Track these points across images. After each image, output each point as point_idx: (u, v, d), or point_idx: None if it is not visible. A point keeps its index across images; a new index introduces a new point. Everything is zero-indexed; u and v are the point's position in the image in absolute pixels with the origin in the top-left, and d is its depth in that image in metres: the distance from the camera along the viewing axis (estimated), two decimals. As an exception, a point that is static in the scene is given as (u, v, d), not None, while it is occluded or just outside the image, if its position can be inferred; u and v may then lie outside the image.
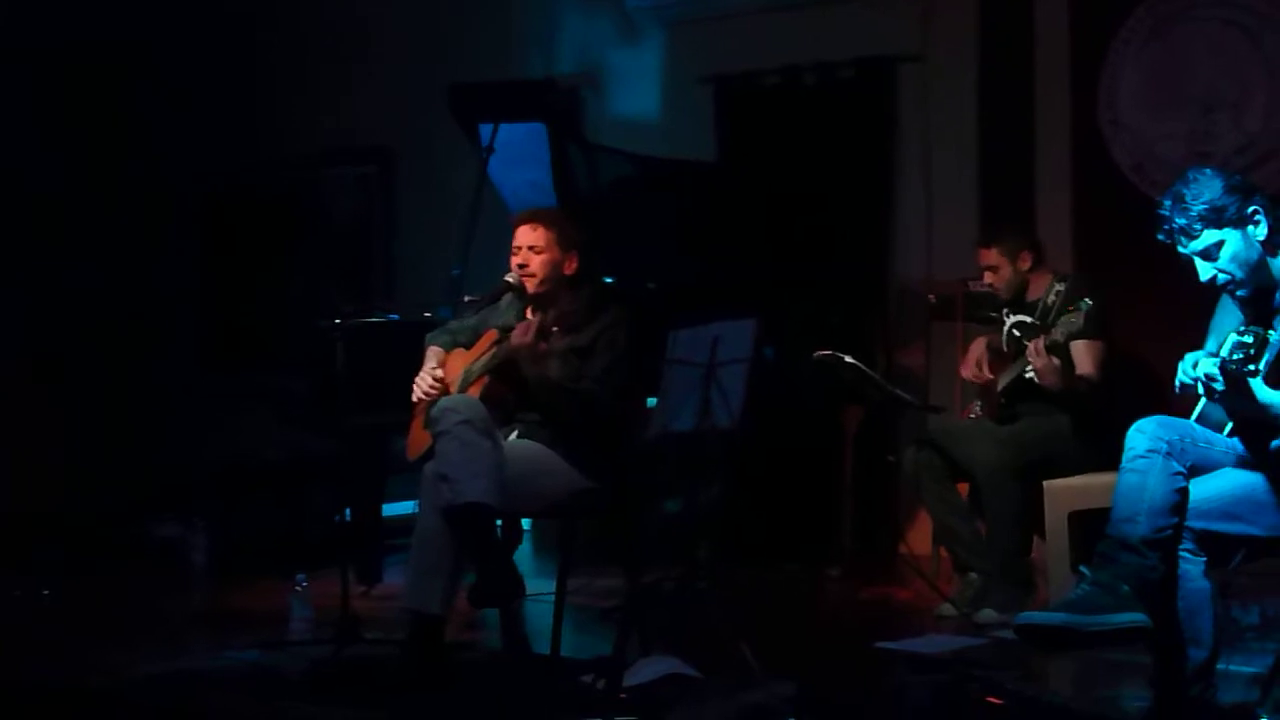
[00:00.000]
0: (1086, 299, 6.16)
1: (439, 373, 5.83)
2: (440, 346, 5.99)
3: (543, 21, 9.37)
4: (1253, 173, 6.66)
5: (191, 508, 8.13)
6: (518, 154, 7.63)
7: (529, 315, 5.80)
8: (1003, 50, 7.96)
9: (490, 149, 7.55)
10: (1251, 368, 4.07)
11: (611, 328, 5.72)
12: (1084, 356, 6.36)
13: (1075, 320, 6.06)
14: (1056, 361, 6.24)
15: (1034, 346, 6.22)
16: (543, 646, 5.65)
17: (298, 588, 6.17)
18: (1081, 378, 6.35)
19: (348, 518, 7.07)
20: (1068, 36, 7.79)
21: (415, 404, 5.83)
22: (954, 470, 6.55)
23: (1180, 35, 7.54)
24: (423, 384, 5.80)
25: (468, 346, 5.96)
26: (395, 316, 7.26)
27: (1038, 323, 6.50)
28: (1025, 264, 6.64)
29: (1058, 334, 6.13)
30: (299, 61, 9.88)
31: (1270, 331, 4.21)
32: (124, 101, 9.83)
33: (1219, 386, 4.15)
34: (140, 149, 9.85)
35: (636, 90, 9.07)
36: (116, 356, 9.63)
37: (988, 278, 6.72)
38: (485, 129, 7.61)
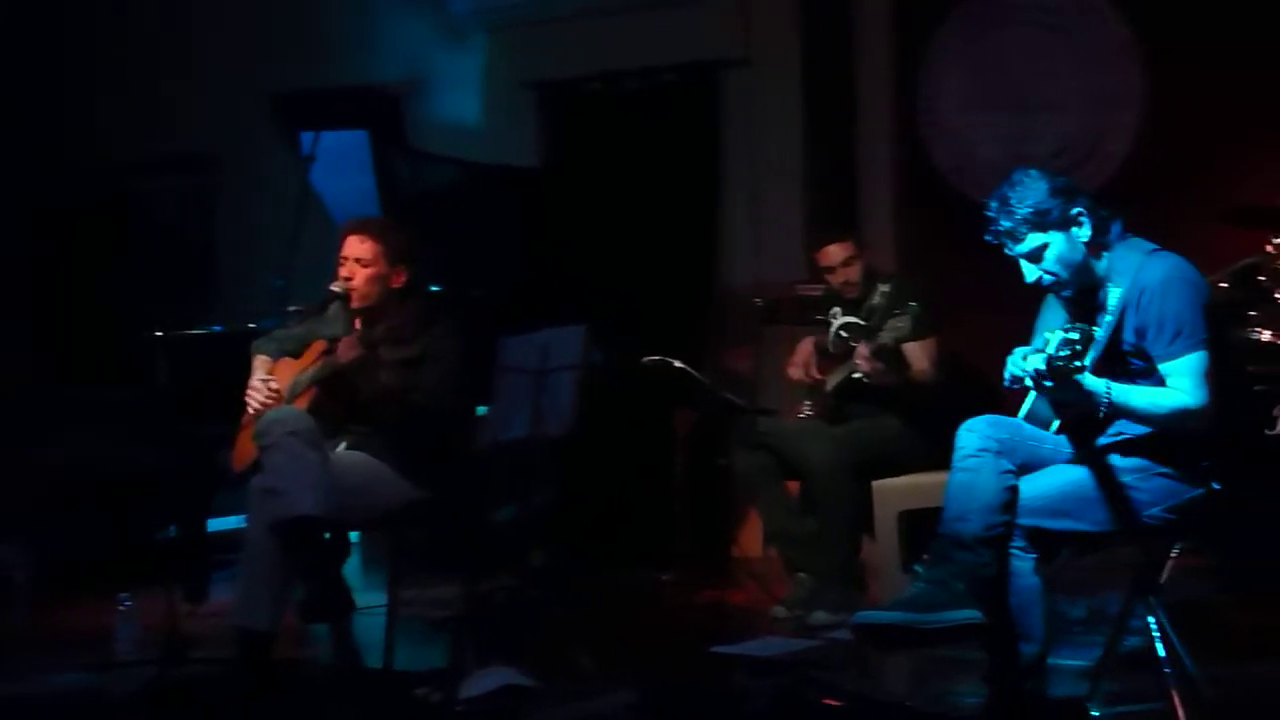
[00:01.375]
0: (913, 302, 6.23)
1: (272, 381, 5.73)
2: (268, 355, 5.89)
3: (365, 27, 9.26)
4: (1072, 174, 6.72)
5: (14, 525, 7.93)
6: (341, 161, 7.55)
7: (356, 326, 5.72)
8: (825, 54, 8.02)
9: (312, 156, 7.45)
10: (1078, 364, 4.13)
11: (440, 338, 5.67)
12: (918, 355, 6.44)
13: (903, 324, 6.12)
14: (884, 365, 6.30)
15: (861, 350, 6.27)
16: (376, 660, 5.57)
17: (121, 607, 6.04)
18: (916, 375, 6.42)
19: (173, 533, 6.93)
20: (889, 40, 7.88)
21: (244, 415, 5.72)
22: (785, 471, 6.59)
23: (998, 38, 7.65)
24: (258, 394, 5.69)
25: (295, 356, 5.87)
26: (219, 328, 7.13)
27: (864, 323, 6.54)
28: (870, 257, 6.71)
29: (885, 338, 6.19)
30: (121, 68, 9.68)
31: (1095, 329, 4.28)
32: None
33: (1048, 384, 4.20)
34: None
35: (460, 96, 9.00)
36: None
37: (839, 275, 6.72)
38: (307, 136, 7.51)
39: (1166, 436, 4.33)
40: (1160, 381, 4.31)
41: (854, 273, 6.69)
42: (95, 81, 9.73)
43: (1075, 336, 4.12)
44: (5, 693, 5.51)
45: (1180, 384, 4.27)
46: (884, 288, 6.66)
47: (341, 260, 5.71)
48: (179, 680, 5.50)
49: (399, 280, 5.73)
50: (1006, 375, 4.36)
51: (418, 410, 5.52)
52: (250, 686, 5.20)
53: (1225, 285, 6.02)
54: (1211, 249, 6.07)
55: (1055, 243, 4.41)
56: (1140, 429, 4.36)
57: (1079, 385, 4.17)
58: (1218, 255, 6.06)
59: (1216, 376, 4.29)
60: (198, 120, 9.45)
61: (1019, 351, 4.31)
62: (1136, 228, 4.56)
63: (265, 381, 5.73)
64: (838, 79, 7.98)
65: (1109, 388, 4.25)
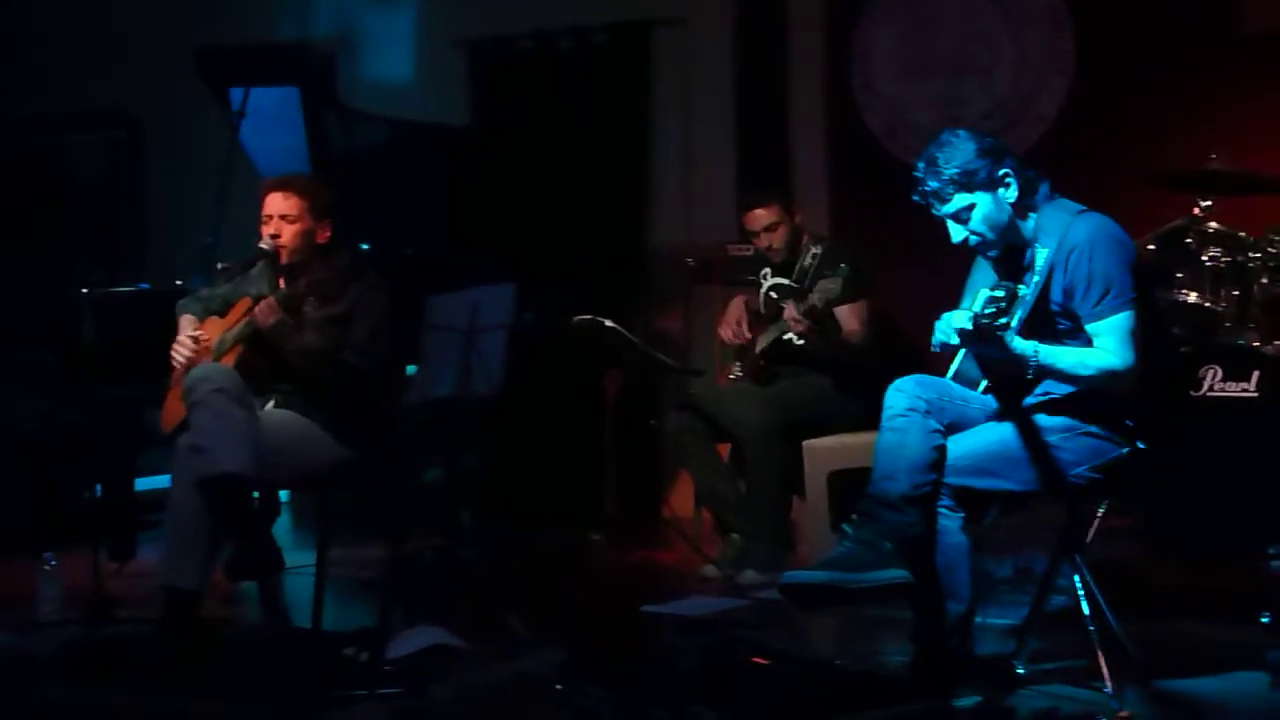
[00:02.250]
0: (843, 264, 6.24)
1: (199, 334, 5.68)
2: (193, 314, 5.84)
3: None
4: (1001, 136, 6.74)
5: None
6: (270, 119, 7.48)
7: (281, 284, 5.68)
8: (758, 14, 8.01)
9: (242, 113, 7.38)
10: (1003, 321, 4.15)
11: (368, 295, 5.63)
12: (849, 317, 6.45)
13: (833, 286, 6.12)
14: (814, 325, 6.30)
15: (790, 310, 6.27)
16: (304, 620, 5.55)
17: (46, 566, 5.98)
18: (847, 336, 6.44)
19: (99, 493, 6.86)
20: (821, 1, 7.87)
21: (172, 374, 5.68)
22: (716, 433, 6.60)
23: (929, 1, 7.66)
24: (182, 350, 5.65)
25: (221, 315, 5.83)
26: (146, 285, 7.07)
27: (795, 285, 6.54)
28: (800, 219, 6.71)
29: (815, 299, 6.19)
30: (42, 19, 9.56)
31: (1020, 287, 4.30)
32: None
33: (974, 342, 4.22)
34: None
35: (390, 53, 8.94)
36: None
37: (764, 239, 6.72)
38: (236, 93, 7.43)
39: (1093, 396, 4.36)
40: (1087, 342, 4.34)
41: (779, 237, 6.68)
42: (16, 32, 9.60)
43: (1000, 295, 4.15)
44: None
45: (1106, 344, 4.30)
46: (815, 249, 6.66)
47: (265, 218, 5.66)
48: (104, 640, 5.46)
49: (324, 236, 5.69)
50: (934, 342, 4.38)
51: (344, 368, 5.48)
52: (177, 646, 5.17)
53: (1153, 247, 6.05)
54: (1139, 211, 6.10)
55: (981, 203, 4.43)
56: (1067, 389, 4.39)
57: (1003, 343, 4.20)
58: (1146, 217, 6.09)
59: (1143, 337, 4.33)
60: (124, 74, 9.35)
61: (946, 317, 4.33)
62: (1065, 189, 4.58)
63: (192, 338, 5.69)
64: (770, 39, 7.97)
65: (1036, 349, 4.27)
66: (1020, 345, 4.25)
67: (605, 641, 5.34)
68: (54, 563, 5.98)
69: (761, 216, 6.69)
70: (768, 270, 6.74)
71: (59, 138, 9.74)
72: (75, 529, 6.50)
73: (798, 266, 6.65)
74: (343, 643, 5.10)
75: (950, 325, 4.27)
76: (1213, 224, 5.99)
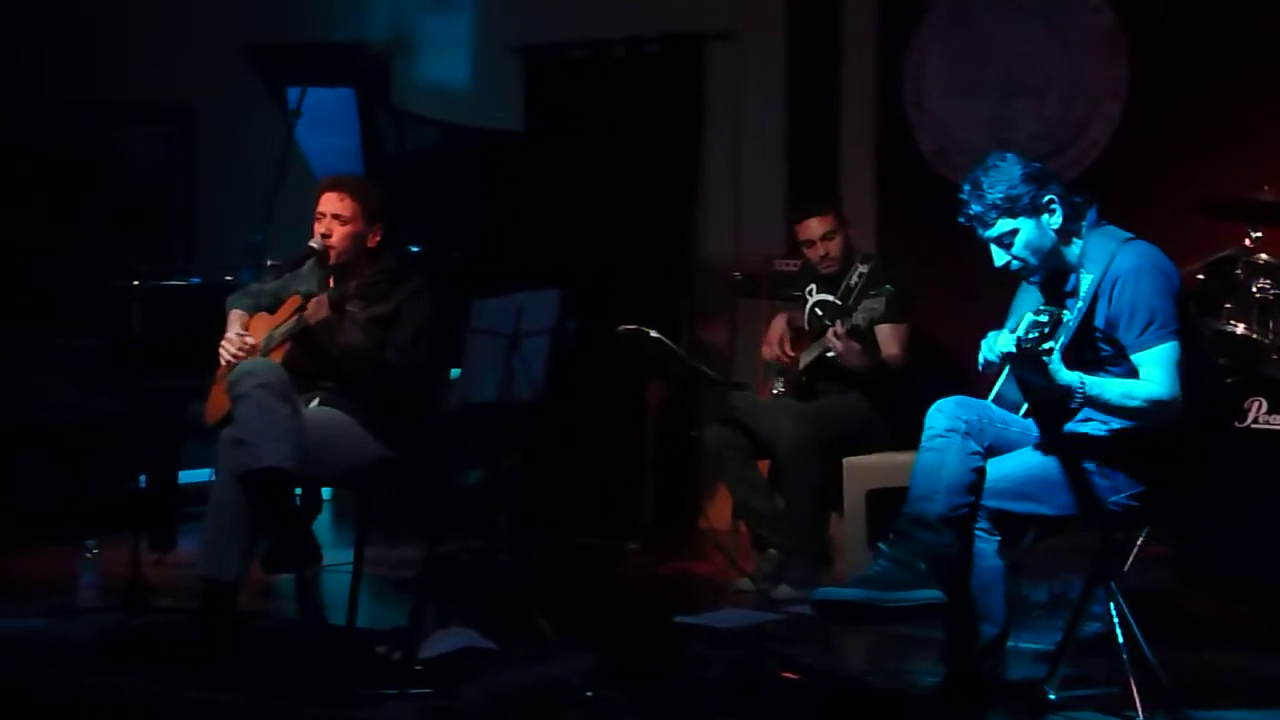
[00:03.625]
0: (889, 284, 6.25)
1: (247, 336, 5.73)
2: (243, 310, 5.89)
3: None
4: (1052, 160, 6.76)
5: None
6: (325, 118, 7.53)
7: (331, 283, 5.71)
8: (811, 30, 8.00)
9: (298, 112, 7.43)
10: (1046, 346, 4.14)
11: (414, 297, 5.66)
12: (889, 339, 6.45)
13: (877, 306, 6.13)
14: (857, 345, 6.31)
15: (834, 330, 6.27)
16: (339, 617, 5.59)
17: (87, 554, 6.03)
18: (886, 359, 6.43)
19: (141, 483, 6.92)
20: (875, 18, 7.86)
21: (218, 368, 5.72)
22: (755, 447, 6.60)
23: (984, 22, 7.64)
24: (230, 348, 5.70)
25: (270, 311, 5.87)
26: (196, 279, 7.12)
27: (840, 303, 6.55)
28: (853, 231, 6.71)
29: (859, 318, 6.19)
30: (102, 11, 9.63)
31: (1065, 312, 4.30)
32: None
33: (1017, 365, 4.23)
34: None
35: (446, 58, 8.97)
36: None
37: (818, 249, 6.71)
38: (293, 92, 7.49)
39: (1133, 424, 4.35)
40: (1130, 369, 4.33)
41: (834, 247, 6.69)
42: (78, 24, 9.68)
43: (1044, 319, 4.14)
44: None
45: (1151, 374, 4.29)
46: (862, 268, 6.66)
47: (318, 216, 5.71)
48: (141, 628, 5.50)
49: (375, 239, 5.73)
50: (980, 360, 4.38)
51: (386, 368, 5.51)
52: (212, 637, 5.21)
53: (1201, 276, 6.04)
54: (1189, 240, 6.10)
55: (1025, 229, 4.43)
56: (1106, 414, 4.38)
57: (1047, 368, 4.19)
58: (1195, 246, 6.08)
59: (1187, 367, 4.32)
60: (180, 69, 9.41)
61: (992, 336, 4.33)
62: (1114, 215, 4.58)
63: (240, 335, 5.73)
64: (823, 55, 7.96)
65: (1083, 380, 4.26)
66: (1066, 376, 4.24)
67: (636, 650, 5.35)
68: (95, 551, 6.03)
69: (816, 226, 6.70)
70: (813, 286, 6.74)
71: (114, 129, 9.80)
72: (117, 518, 6.55)
73: (844, 284, 6.65)
74: (376, 641, 5.14)
75: (995, 346, 4.28)
76: (1262, 255, 5.98)
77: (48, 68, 9.66)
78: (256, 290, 5.97)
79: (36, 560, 6.92)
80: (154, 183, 9.69)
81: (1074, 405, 4.32)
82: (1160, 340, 4.30)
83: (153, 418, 6.85)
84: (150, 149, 9.77)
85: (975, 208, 4.43)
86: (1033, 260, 4.46)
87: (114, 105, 9.60)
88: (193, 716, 4.76)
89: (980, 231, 4.48)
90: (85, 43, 9.65)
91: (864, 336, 6.33)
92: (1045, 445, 4.47)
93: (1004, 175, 4.42)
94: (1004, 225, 4.43)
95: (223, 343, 5.75)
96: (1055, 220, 4.44)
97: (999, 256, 4.49)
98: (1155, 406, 4.28)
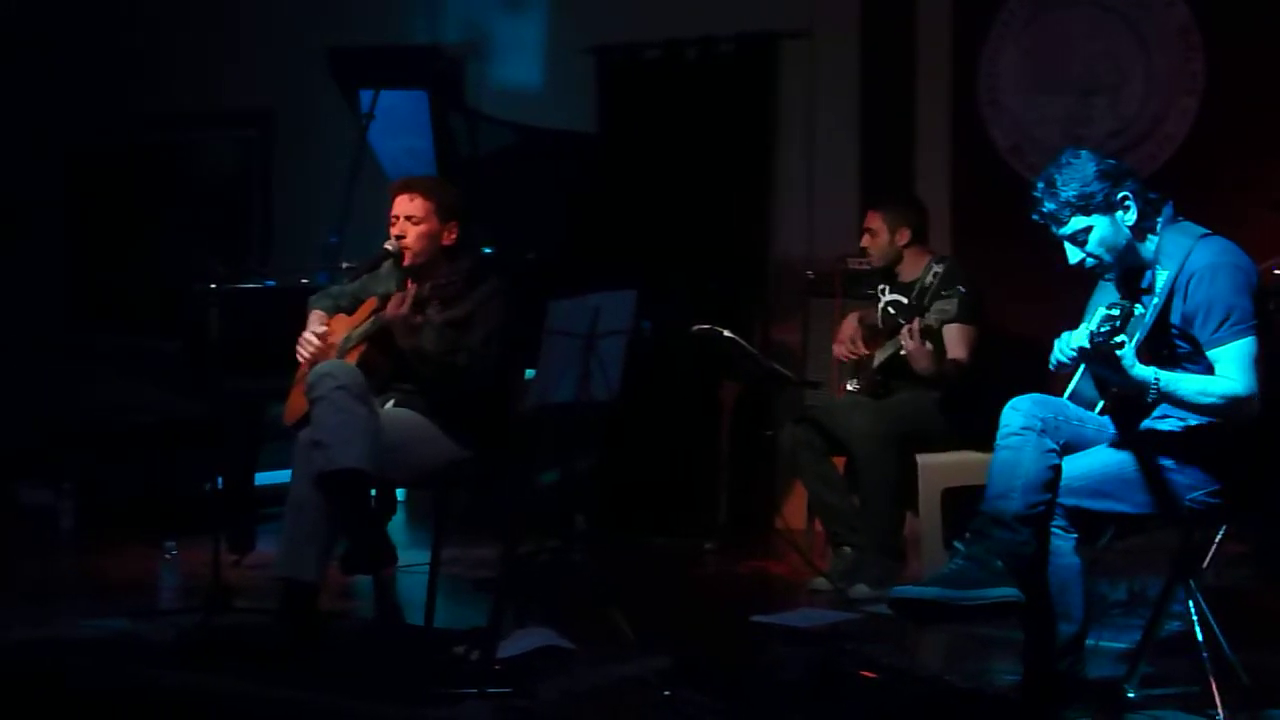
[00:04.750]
0: (961, 286, 6.23)
1: (322, 330, 5.77)
2: (323, 310, 5.94)
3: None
4: (1126, 156, 6.73)
5: (59, 470, 8.00)
6: (398, 121, 7.58)
7: (408, 285, 5.75)
8: (885, 28, 7.99)
9: (371, 115, 7.48)
10: (1119, 339, 4.12)
11: (489, 299, 5.68)
12: (956, 341, 6.43)
13: (949, 307, 6.11)
14: (929, 346, 6.29)
15: (908, 329, 6.26)
16: (417, 617, 5.62)
17: (167, 555, 6.08)
18: (951, 362, 6.41)
19: (220, 485, 6.98)
20: (949, 16, 7.84)
21: (297, 369, 5.76)
22: (831, 446, 6.59)
23: (1060, 19, 7.61)
24: (307, 345, 5.75)
25: (349, 312, 5.92)
26: (272, 282, 7.18)
27: (913, 303, 6.53)
28: (902, 239, 6.69)
29: (931, 319, 6.18)
30: (178, 18, 9.74)
31: (1136, 306, 4.28)
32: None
33: (1090, 360, 4.21)
34: (8, 103, 9.65)
35: (519, 60, 9.01)
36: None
37: (865, 240, 6.76)
38: (366, 95, 7.53)
39: (1212, 421, 4.32)
40: (1208, 366, 4.30)
41: (874, 245, 6.71)
42: (156, 30, 9.78)
43: (1116, 313, 4.13)
44: (48, 636, 5.55)
45: (1228, 371, 4.26)
46: (936, 268, 6.63)
47: (393, 219, 5.74)
48: (221, 629, 5.55)
49: (450, 238, 5.76)
50: (1052, 361, 4.37)
51: (463, 370, 5.54)
52: (292, 637, 5.25)
53: (1278, 272, 5.99)
54: (1265, 235, 6.05)
55: (1099, 226, 4.40)
56: (1184, 411, 4.35)
57: (1120, 363, 4.17)
58: (1271, 241, 6.04)
59: (1266, 363, 4.28)
60: (256, 73, 9.49)
61: (1065, 337, 4.31)
62: (1190, 211, 4.54)
63: (317, 334, 5.78)
64: (897, 54, 7.95)
65: (1157, 376, 4.24)
66: (1141, 371, 4.21)
67: (713, 650, 5.35)
68: (175, 552, 6.08)
69: (869, 218, 6.76)
70: (885, 286, 6.73)
71: (193, 134, 9.91)
72: (196, 519, 6.61)
73: (918, 284, 6.63)
74: (454, 641, 5.16)
75: (1068, 344, 4.26)
76: (1339, 250, 5.93)
77: (127, 73, 9.77)
78: (337, 291, 6.02)
79: (118, 561, 7.00)
80: (231, 186, 9.79)
81: (1149, 401, 4.30)
82: (1237, 336, 4.27)
83: (231, 419, 6.91)
84: (228, 153, 9.87)
85: (1049, 205, 4.41)
86: (1107, 257, 4.44)
87: (192, 110, 9.70)
88: (273, 716, 4.80)
89: (1054, 229, 4.45)
90: (163, 48, 9.75)
91: (935, 338, 6.32)
92: (1122, 442, 4.45)
93: (1078, 172, 4.40)
94: (1077, 223, 4.41)
95: (300, 341, 5.79)
96: (1130, 217, 4.41)
97: (1073, 254, 4.46)
98: (1232, 403, 4.25)
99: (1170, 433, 4.39)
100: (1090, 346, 4.14)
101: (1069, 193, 4.37)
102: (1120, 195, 4.40)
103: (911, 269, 6.70)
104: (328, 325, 5.87)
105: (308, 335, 5.78)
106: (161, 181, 9.88)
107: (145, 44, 9.80)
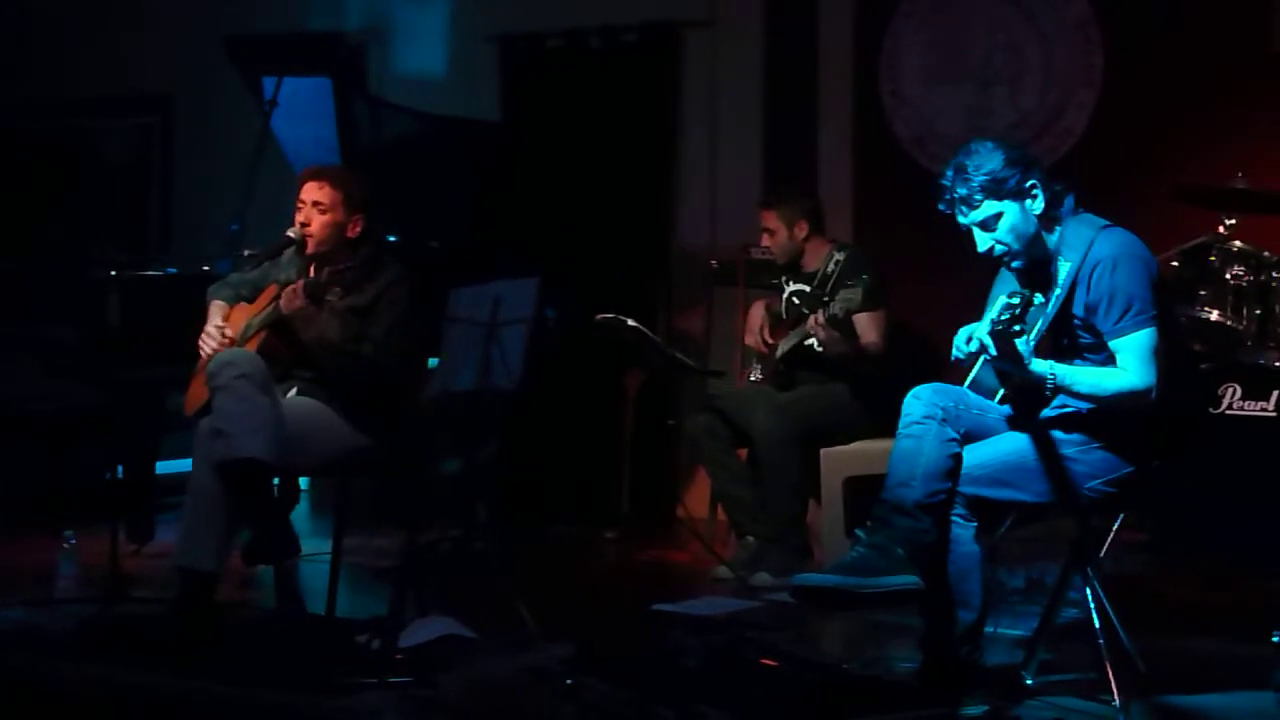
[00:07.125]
0: (864, 273, 6.27)
1: (226, 329, 5.71)
2: (223, 300, 5.87)
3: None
4: (1028, 148, 6.77)
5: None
6: (302, 108, 7.51)
7: (310, 272, 5.70)
8: (788, 18, 8.02)
9: (274, 102, 7.42)
10: (1017, 328, 4.16)
11: (392, 287, 5.65)
12: (867, 326, 6.48)
13: (854, 297, 6.14)
14: (837, 334, 6.33)
15: (814, 319, 6.29)
16: (318, 606, 5.58)
17: (65, 545, 6.01)
18: (865, 347, 6.45)
19: (119, 474, 6.91)
20: (852, 6, 7.89)
21: (198, 359, 5.70)
22: (734, 436, 6.61)
23: (959, 10, 7.68)
24: (210, 340, 5.68)
25: (250, 300, 5.86)
26: (173, 269, 7.11)
27: (816, 292, 6.56)
28: (801, 232, 6.72)
29: (836, 308, 6.21)
30: (78, 1, 9.62)
31: (1036, 295, 4.31)
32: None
33: (991, 352, 4.24)
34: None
35: (422, 47, 8.97)
36: None
37: (765, 240, 6.81)
38: (269, 82, 7.47)
39: (1110, 411, 4.37)
40: (1110, 357, 4.35)
41: (774, 243, 6.75)
42: (55, 14, 9.66)
43: (1015, 301, 4.16)
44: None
45: (1127, 362, 4.30)
46: (838, 256, 6.67)
47: (299, 205, 5.69)
48: (119, 619, 5.49)
49: (355, 228, 5.71)
50: (954, 352, 4.39)
51: (365, 358, 5.51)
52: (191, 627, 5.20)
53: (1176, 264, 6.07)
54: (1164, 227, 6.13)
55: (1009, 212, 4.43)
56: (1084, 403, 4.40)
57: (1020, 358, 4.21)
58: (1170, 233, 6.11)
59: (1164, 354, 4.33)
60: (157, 59, 9.40)
61: (964, 331, 4.34)
62: (1090, 203, 4.59)
63: (220, 328, 5.71)
64: (799, 43, 7.98)
65: (1053, 371, 4.28)
66: (1038, 366, 4.26)
67: (615, 637, 5.36)
68: (73, 541, 6.01)
69: (764, 218, 6.78)
70: (788, 277, 6.76)
71: (91, 120, 9.79)
72: (95, 508, 6.54)
73: (819, 273, 6.66)
74: (355, 630, 5.13)
75: (967, 341, 4.29)
76: (1236, 242, 6.01)
77: (24, 59, 9.64)
78: (237, 280, 5.96)
79: (14, 551, 6.91)
80: (132, 173, 9.68)
81: (1046, 395, 4.34)
82: (1138, 327, 4.31)
83: (131, 408, 6.83)
84: (128, 139, 9.76)
85: (960, 190, 4.43)
86: (1015, 245, 4.46)
87: (91, 95, 9.58)
88: (172, 706, 4.75)
89: (963, 215, 4.47)
90: (62, 34, 9.63)
91: (841, 325, 6.35)
92: (1022, 431, 4.49)
93: (989, 158, 4.42)
94: (989, 208, 4.43)
95: (202, 335, 5.73)
96: (1037, 206, 4.45)
97: (982, 241, 4.49)
98: (1130, 394, 4.29)
99: (1073, 413, 4.42)
100: (990, 334, 4.18)
101: (981, 177, 4.39)
102: (1029, 183, 4.43)
103: (813, 259, 6.73)
104: (228, 315, 5.81)
105: (210, 329, 5.72)
106: (60, 167, 9.75)
107: (44, 28, 9.67)
